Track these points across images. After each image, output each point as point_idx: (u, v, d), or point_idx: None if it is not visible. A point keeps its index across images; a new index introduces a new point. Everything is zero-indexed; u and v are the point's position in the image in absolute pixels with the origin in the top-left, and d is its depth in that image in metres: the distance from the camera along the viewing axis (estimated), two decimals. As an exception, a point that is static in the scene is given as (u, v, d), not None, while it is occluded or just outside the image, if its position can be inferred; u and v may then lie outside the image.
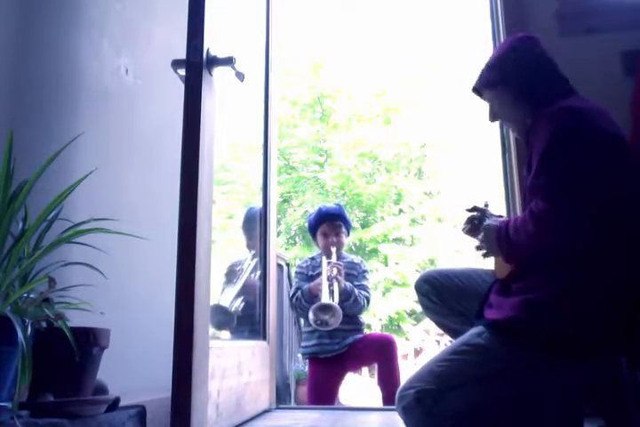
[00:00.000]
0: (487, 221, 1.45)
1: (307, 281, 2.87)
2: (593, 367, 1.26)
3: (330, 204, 3.15)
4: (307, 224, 3.20)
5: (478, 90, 1.60)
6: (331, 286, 2.69)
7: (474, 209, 1.59)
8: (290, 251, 10.83)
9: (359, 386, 6.82)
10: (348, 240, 3.13)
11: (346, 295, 2.70)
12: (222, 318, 2.06)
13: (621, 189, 1.26)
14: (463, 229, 1.61)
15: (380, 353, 2.71)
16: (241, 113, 2.42)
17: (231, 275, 2.39)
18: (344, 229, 2.96)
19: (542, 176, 1.30)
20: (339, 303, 2.61)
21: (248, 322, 2.29)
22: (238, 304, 2.28)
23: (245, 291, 2.31)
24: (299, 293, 2.81)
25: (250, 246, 2.42)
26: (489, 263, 1.58)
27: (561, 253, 1.28)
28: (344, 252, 3.01)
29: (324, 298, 2.60)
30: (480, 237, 1.45)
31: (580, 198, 1.23)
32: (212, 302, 1.95)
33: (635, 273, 1.25)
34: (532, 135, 1.41)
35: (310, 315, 2.60)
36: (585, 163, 1.26)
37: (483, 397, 1.23)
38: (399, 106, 13.54)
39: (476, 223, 1.55)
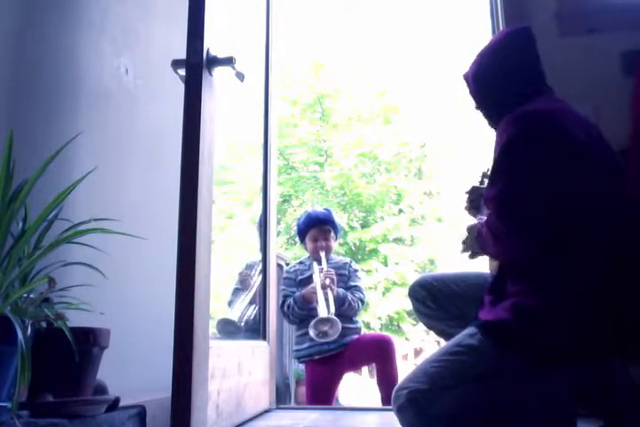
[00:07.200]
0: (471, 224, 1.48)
1: (294, 287, 2.87)
2: (583, 370, 1.26)
3: (319, 208, 3.16)
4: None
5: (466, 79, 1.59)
6: (325, 294, 2.70)
7: (472, 190, 1.64)
8: (290, 251, 10.80)
9: (359, 386, 6.82)
10: (336, 244, 3.14)
11: (339, 302, 2.71)
12: (232, 329, 2.07)
13: (573, 199, 1.23)
14: (465, 208, 1.66)
15: (378, 354, 2.70)
16: (241, 113, 2.42)
17: (244, 282, 2.39)
18: (333, 234, 2.98)
19: (492, 188, 1.31)
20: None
21: (255, 326, 2.29)
22: (250, 313, 2.28)
23: (257, 298, 2.31)
24: (290, 301, 2.79)
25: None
26: (486, 265, 1.59)
27: (525, 260, 1.29)
28: (332, 255, 3.02)
29: (322, 311, 2.62)
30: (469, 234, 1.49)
31: (525, 214, 1.23)
32: (221, 312, 1.95)
33: (603, 277, 1.24)
34: (496, 138, 1.40)
35: (311, 331, 2.62)
36: (533, 174, 1.24)
37: (474, 398, 1.23)
38: (399, 106, 13.54)
39: (473, 203, 1.58)
